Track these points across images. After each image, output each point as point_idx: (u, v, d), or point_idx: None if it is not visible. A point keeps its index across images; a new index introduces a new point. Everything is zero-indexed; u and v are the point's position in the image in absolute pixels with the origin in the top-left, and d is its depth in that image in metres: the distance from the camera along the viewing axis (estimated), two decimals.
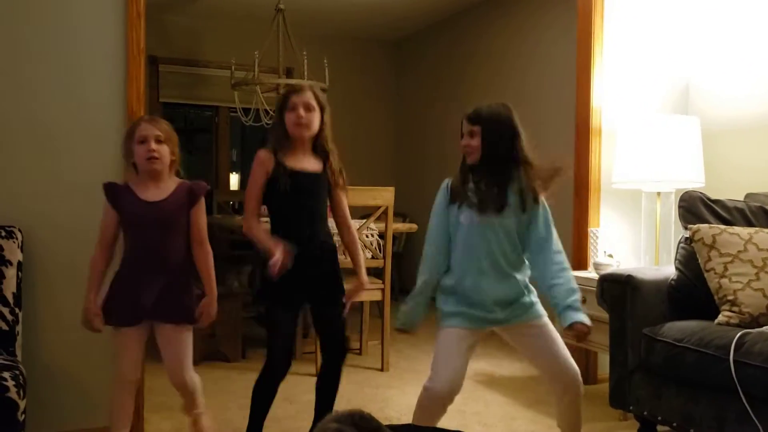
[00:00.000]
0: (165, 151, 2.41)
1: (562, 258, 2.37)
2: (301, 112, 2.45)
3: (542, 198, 2.36)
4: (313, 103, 2.48)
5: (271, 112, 5.29)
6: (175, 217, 2.41)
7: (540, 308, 2.41)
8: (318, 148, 2.54)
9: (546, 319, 2.40)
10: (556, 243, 2.37)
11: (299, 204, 2.50)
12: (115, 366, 2.46)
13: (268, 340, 2.54)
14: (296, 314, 2.59)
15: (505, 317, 2.37)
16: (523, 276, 2.40)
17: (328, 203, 2.63)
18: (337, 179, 2.57)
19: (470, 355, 2.39)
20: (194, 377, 2.51)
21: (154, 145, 2.37)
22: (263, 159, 2.48)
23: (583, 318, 2.27)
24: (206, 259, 2.47)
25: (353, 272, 2.67)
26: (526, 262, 2.41)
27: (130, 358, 2.44)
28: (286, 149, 2.50)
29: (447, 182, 2.43)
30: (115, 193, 2.41)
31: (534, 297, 2.41)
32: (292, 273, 2.40)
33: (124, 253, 2.45)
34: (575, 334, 2.28)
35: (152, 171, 2.40)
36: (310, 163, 2.53)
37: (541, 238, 2.35)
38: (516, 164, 2.32)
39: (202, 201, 2.47)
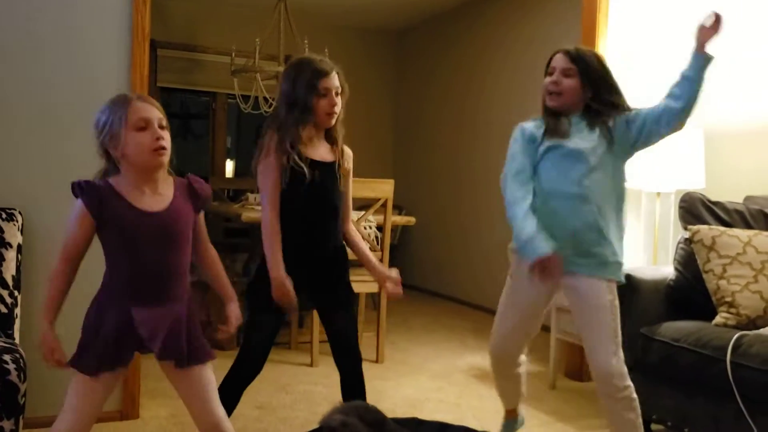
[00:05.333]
0: (169, 140, 1.85)
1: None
2: (335, 98, 2.23)
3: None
4: (340, 86, 2.26)
5: (270, 100, 5.26)
6: (184, 230, 1.88)
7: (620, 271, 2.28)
8: (330, 132, 2.32)
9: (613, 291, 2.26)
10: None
11: (321, 199, 2.27)
12: (61, 419, 1.82)
13: (245, 339, 2.29)
14: (278, 319, 2.30)
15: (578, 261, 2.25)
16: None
17: None
18: (347, 167, 2.37)
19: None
20: (224, 415, 1.97)
21: (161, 132, 1.82)
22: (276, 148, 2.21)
23: None
24: (217, 259, 2.04)
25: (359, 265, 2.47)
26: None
27: (91, 410, 1.84)
28: (303, 136, 2.24)
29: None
30: (99, 198, 1.80)
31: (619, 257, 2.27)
32: (297, 275, 2.21)
33: (107, 277, 1.87)
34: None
35: (157, 167, 1.84)
36: (326, 151, 2.31)
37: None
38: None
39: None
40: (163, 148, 1.80)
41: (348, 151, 2.39)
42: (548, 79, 2.28)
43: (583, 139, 2.24)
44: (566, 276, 2.24)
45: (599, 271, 2.24)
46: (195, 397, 1.92)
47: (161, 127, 1.82)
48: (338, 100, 2.25)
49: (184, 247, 1.89)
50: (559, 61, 2.27)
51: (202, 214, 1.98)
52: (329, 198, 2.31)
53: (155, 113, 1.82)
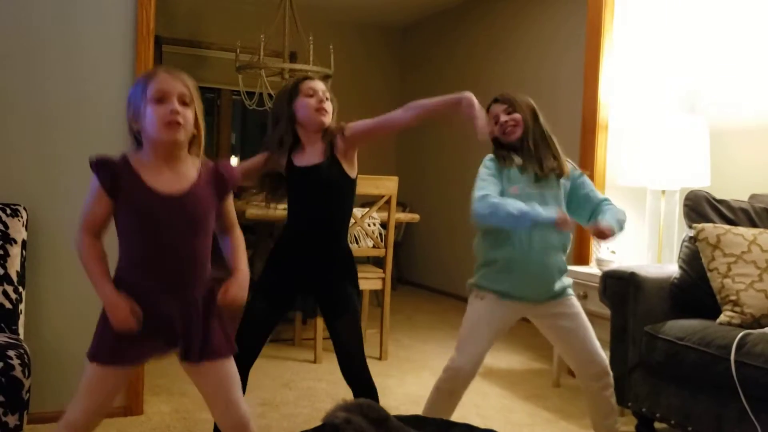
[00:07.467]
0: (190, 117, 1.73)
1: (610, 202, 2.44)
2: (322, 95, 2.24)
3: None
4: (328, 92, 2.28)
5: (275, 96, 5.26)
6: (203, 216, 1.78)
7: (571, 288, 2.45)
8: (325, 133, 2.28)
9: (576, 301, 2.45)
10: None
11: (314, 202, 2.27)
12: (71, 408, 1.76)
13: (238, 328, 2.22)
14: (276, 312, 2.29)
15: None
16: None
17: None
18: (346, 133, 2.26)
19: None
20: (248, 412, 1.91)
21: (177, 106, 1.70)
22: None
23: (612, 222, 2.28)
24: (240, 242, 1.90)
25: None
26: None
27: (102, 401, 1.76)
28: (296, 146, 2.27)
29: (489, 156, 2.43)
30: (112, 174, 1.71)
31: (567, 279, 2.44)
32: (294, 267, 2.24)
33: (122, 261, 1.77)
34: (595, 229, 2.27)
35: (170, 143, 1.72)
36: (316, 153, 2.27)
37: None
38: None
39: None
40: (177, 123, 1.69)
41: (341, 125, 2.29)
42: (502, 119, 2.39)
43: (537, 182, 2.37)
44: (539, 305, 2.38)
45: (566, 291, 2.42)
46: (216, 394, 1.83)
47: (184, 103, 1.71)
48: (327, 104, 2.25)
49: (203, 234, 1.77)
50: (497, 108, 2.41)
51: (230, 206, 1.89)
52: (318, 199, 2.28)
53: (177, 87, 1.71)
